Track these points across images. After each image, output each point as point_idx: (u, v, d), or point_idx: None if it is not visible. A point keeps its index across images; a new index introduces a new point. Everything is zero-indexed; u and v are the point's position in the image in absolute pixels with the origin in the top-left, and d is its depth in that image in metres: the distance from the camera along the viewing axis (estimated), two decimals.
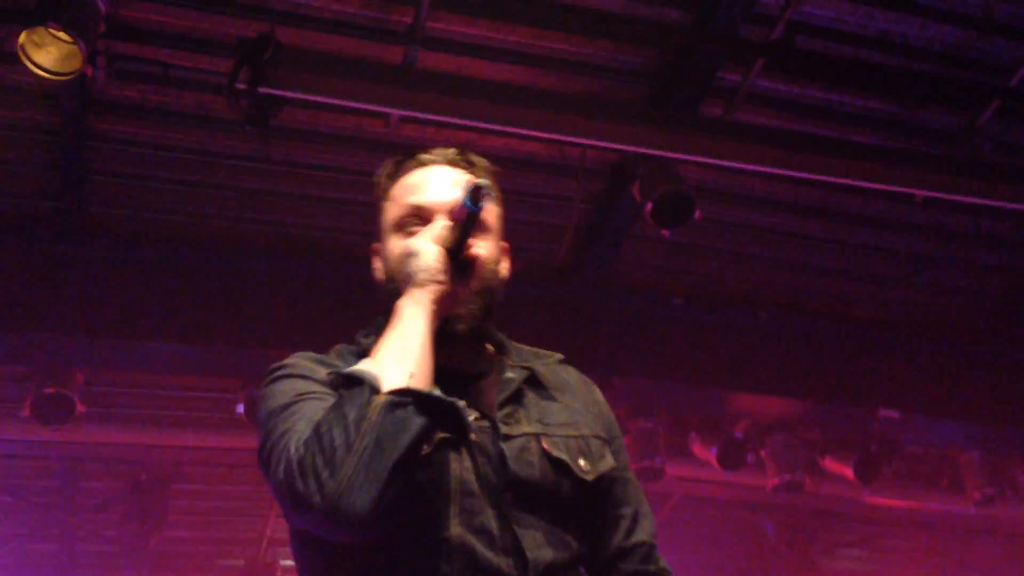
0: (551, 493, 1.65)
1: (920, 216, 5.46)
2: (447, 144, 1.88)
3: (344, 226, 5.17)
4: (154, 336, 4.88)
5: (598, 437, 1.78)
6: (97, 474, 6.45)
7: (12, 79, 4.16)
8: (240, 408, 5.28)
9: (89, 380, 5.34)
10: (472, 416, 1.59)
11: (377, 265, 1.80)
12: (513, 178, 5.01)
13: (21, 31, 3.63)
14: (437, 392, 1.52)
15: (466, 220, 1.65)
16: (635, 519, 1.78)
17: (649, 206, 4.56)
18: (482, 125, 4.44)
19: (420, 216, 1.73)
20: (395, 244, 1.73)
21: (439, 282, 1.62)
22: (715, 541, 7.83)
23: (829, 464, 6.42)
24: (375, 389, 1.48)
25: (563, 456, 1.69)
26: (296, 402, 1.59)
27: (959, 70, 4.67)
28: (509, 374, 1.76)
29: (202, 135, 4.64)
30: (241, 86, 3.92)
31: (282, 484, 1.47)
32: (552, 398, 1.79)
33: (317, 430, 1.48)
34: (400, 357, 1.54)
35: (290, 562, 7.23)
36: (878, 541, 7.99)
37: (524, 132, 4.52)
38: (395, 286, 1.68)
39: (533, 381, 1.79)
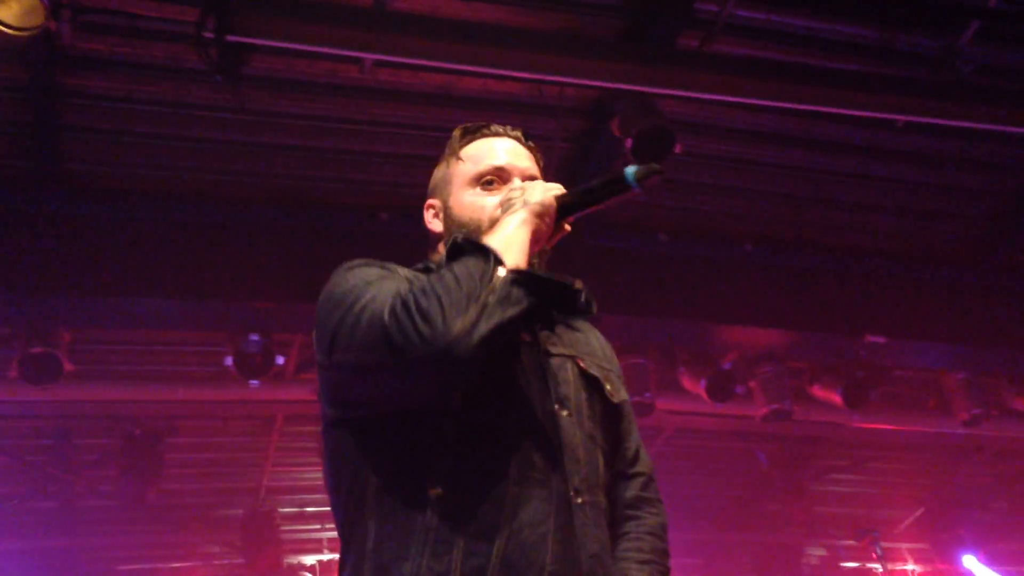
0: (583, 409, 1.81)
1: (903, 141, 5.44)
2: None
3: (324, 175, 5.13)
4: (138, 292, 4.85)
5: (615, 373, 1.96)
6: (91, 431, 6.48)
7: None
8: (229, 360, 5.29)
9: (76, 338, 5.33)
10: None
11: (435, 217, 1.96)
12: (492, 119, 4.95)
13: None
14: (551, 275, 1.68)
15: (607, 194, 1.75)
16: (637, 452, 1.94)
17: (629, 142, 4.53)
18: (458, 67, 4.39)
19: (500, 176, 1.90)
20: (473, 196, 1.89)
21: (545, 216, 1.76)
22: (709, 471, 7.93)
23: (817, 391, 6.49)
24: (499, 260, 1.62)
25: (596, 374, 1.87)
26: (375, 281, 1.70)
27: None
28: None
29: (174, 87, 4.57)
30: (209, 35, 3.85)
31: (376, 334, 1.57)
32: (578, 330, 1.97)
33: (440, 278, 1.59)
34: (510, 248, 1.67)
35: (290, 509, 7.20)
36: (868, 464, 8.10)
37: (501, 72, 4.46)
38: (467, 232, 1.80)
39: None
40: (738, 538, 8.48)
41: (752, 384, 6.18)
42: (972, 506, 8.53)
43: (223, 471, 7.09)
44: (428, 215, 1.98)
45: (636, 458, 1.92)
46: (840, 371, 6.34)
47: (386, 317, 1.56)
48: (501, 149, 1.95)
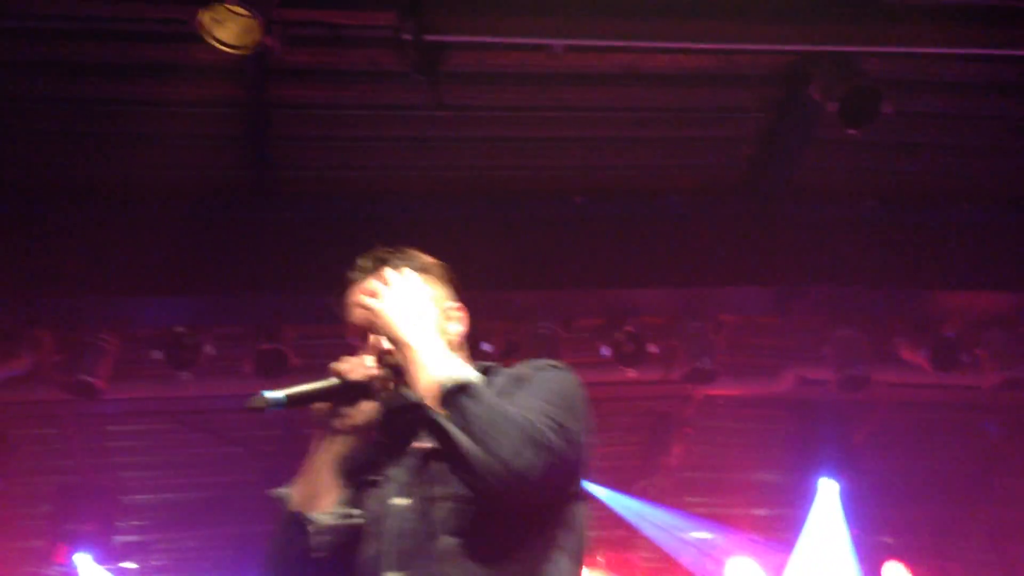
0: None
1: None
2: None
3: (517, 163, 5.21)
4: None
5: None
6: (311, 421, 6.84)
7: (198, 57, 4.33)
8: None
9: (299, 335, 5.64)
10: (402, 501, 1.94)
11: None
12: (683, 95, 4.88)
13: (202, 11, 3.81)
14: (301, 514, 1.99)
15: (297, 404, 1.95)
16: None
17: (833, 106, 4.35)
18: (645, 44, 4.35)
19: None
20: None
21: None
22: (933, 446, 7.51)
23: None
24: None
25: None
26: None
27: None
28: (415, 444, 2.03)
29: (373, 89, 4.75)
30: (407, 37, 3.99)
31: None
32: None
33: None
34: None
35: None
36: None
37: (688, 46, 4.39)
38: None
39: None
40: (971, 515, 7.99)
41: (979, 352, 5.79)
42: None
43: None
44: None
45: None
46: None
47: None
48: (346, 310, 2.14)
